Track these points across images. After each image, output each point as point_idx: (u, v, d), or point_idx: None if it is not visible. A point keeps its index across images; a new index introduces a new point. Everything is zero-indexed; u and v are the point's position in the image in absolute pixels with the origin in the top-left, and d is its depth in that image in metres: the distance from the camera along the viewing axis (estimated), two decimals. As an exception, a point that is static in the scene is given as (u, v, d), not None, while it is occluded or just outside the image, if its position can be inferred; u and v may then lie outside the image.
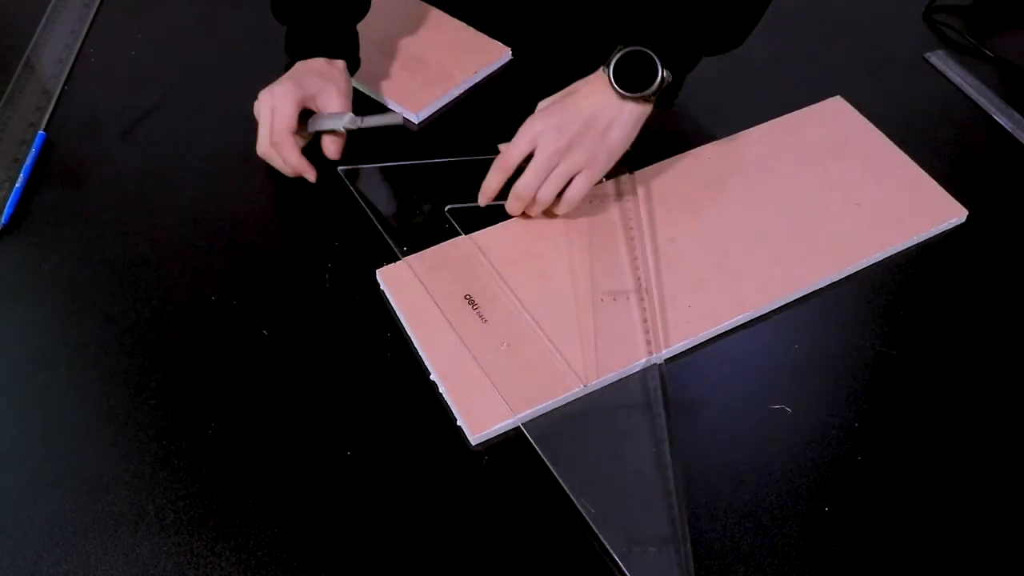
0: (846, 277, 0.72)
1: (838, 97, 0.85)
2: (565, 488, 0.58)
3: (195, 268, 0.71)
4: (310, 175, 0.74)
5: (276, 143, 0.72)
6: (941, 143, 0.83)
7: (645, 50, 0.67)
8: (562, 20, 0.95)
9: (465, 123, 0.84)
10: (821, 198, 0.76)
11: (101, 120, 0.83)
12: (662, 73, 0.67)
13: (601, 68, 0.69)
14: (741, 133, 0.82)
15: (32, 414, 0.62)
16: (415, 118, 0.83)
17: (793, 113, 0.84)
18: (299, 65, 0.76)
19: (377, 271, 0.70)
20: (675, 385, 0.65)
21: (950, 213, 0.76)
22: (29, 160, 0.78)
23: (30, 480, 0.58)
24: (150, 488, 0.58)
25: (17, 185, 0.76)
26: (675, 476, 0.58)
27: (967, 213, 0.76)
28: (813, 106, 0.85)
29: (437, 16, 0.92)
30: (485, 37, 0.91)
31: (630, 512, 0.57)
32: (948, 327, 0.69)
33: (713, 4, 0.68)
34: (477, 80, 0.87)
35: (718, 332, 0.68)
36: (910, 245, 0.74)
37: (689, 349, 0.67)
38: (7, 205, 0.74)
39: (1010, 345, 0.68)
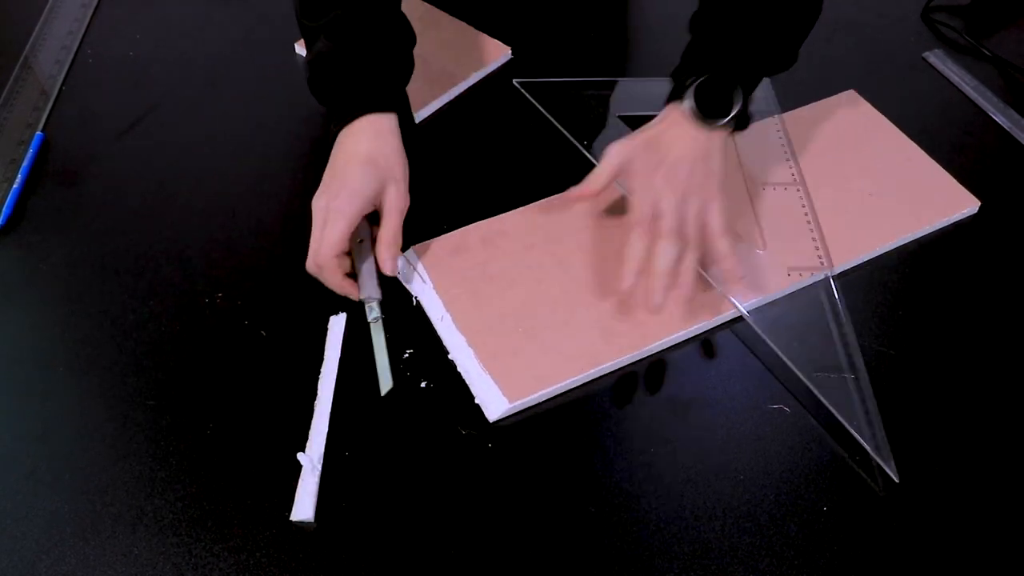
0: (846, 272, 0.72)
1: (852, 91, 0.86)
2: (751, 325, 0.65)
3: (193, 268, 0.71)
4: (352, 296, 0.68)
5: (320, 266, 0.66)
6: (939, 142, 0.83)
7: (722, 76, 0.67)
8: (562, 20, 0.95)
9: (465, 123, 0.84)
10: (838, 187, 0.77)
11: (99, 121, 0.83)
12: (739, 96, 0.67)
13: (672, 103, 0.69)
14: (758, 123, 0.82)
15: (30, 414, 0.62)
16: (415, 117, 0.83)
17: (808, 105, 0.85)
18: (347, 142, 0.68)
19: (411, 247, 0.70)
20: (673, 385, 0.65)
21: (963, 203, 0.77)
22: (27, 161, 0.78)
23: (28, 480, 0.58)
24: (149, 489, 0.58)
25: (15, 186, 0.76)
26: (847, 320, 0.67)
27: (979, 204, 0.76)
28: (827, 99, 0.86)
29: (437, 15, 0.92)
30: (485, 37, 0.91)
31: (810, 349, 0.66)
32: (945, 326, 0.69)
33: (773, 23, 0.68)
34: (477, 80, 0.88)
35: (714, 326, 0.68)
36: (923, 234, 0.75)
37: (686, 344, 0.67)
38: (5, 206, 0.74)
39: (1012, 343, 0.68)
